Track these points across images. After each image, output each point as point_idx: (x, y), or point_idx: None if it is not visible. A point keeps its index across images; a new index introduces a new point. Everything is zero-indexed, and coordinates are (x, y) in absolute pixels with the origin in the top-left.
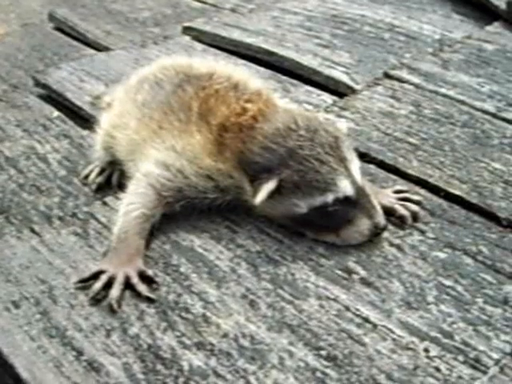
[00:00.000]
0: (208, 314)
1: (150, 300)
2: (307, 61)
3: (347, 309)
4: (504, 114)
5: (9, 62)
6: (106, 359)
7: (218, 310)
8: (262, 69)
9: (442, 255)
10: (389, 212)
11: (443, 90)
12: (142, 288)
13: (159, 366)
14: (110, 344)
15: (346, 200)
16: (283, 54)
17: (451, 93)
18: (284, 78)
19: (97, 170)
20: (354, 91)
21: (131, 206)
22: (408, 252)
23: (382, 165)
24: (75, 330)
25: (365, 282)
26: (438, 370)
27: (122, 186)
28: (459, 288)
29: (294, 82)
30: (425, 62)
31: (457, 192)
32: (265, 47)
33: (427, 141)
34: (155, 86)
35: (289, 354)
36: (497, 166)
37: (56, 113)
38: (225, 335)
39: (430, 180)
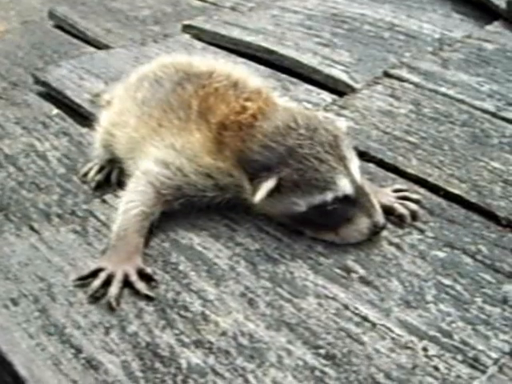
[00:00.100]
0: (207, 312)
1: (148, 298)
2: (307, 59)
3: (346, 307)
4: (503, 114)
5: (8, 59)
6: (105, 357)
7: (216, 308)
8: (261, 67)
9: (441, 254)
10: (388, 211)
11: (443, 89)
12: (141, 286)
13: (158, 364)
14: (109, 342)
15: (346, 199)
16: (283, 52)
17: (451, 92)
18: (284, 76)
19: (96, 168)
20: (353, 90)
21: (130, 203)
22: (407, 251)
23: (381, 164)
24: (74, 328)
25: (364, 280)
26: (436, 369)
27: (121, 184)
28: (458, 287)
29: (294, 80)
30: (424, 61)
31: (456, 191)
32: (264, 46)
33: (427, 140)
34: (155, 84)
35: (287, 352)
36: (496, 165)
37: (55, 110)
38: (223, 333)
39: (430, 179)
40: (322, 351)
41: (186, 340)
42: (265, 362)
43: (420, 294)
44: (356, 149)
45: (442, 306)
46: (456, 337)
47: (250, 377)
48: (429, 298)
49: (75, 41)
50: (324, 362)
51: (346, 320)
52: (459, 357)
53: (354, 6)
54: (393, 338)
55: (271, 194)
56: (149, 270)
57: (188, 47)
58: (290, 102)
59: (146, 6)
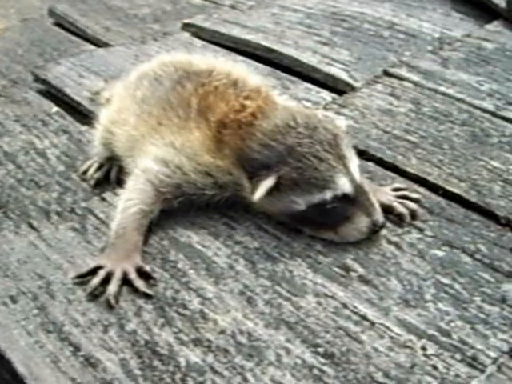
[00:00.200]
0: (205, 310)
1: (147, 296)
2: (306, 58)
3: (345, 306)
4: (503, 113)
5: (8, 57)
6: (103, 355)
7: (215, 306)
8: (261, 66)
9: (440, 253)
10: (387, 210)
11: (442, 89)
12: (140, 284)
13: (156, 362)
14: (107, 340)
15: (345, 197)
16: (282, 51)
17: (450, 91)
18: (283, 74)
19: (95, 166)
20: (353, 89)
21: (129, 201)
22: (406, 250)
23: (380, 162)
24: (72, 326)
25: (363, 279)
26: (435, 368)
27: (120, 182)
28: (457, 286)
29: (293, 79)
30: (424, 60)
31: (455, 190)
32: (264, 44)
33: (426, 139)
34: (154, 82)
35: (286, 350)
36: (496, 164)
37: (55, 108)
38: (222, 332)
39: (429, 178)
40: (320, 350)
41: (185, 338)
42: (263, 360)
43: (419, 293)
44: (355, 147)
45: (440, 305)
46: (455, 336)
47: (249, 375)
48: (428, 297)
49: (75, 39)
50: (323, 360)
51: (345, 319)
52: (458, 356)
53: (354, 4)
54: (391, 337)
55: (270, 192)
56: (148, 268)
57: (188, 45)
58: (289, 101)
59: (146, 4)
